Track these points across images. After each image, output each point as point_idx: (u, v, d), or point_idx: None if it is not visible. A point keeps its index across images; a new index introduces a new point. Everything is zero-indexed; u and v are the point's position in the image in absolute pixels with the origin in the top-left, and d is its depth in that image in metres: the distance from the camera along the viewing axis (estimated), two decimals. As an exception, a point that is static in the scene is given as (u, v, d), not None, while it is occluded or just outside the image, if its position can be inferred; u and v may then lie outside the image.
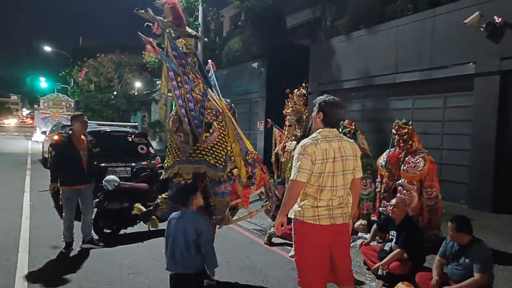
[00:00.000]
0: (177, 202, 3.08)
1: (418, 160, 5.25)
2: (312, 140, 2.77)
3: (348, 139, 2.97)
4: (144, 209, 3.97)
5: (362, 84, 9.90)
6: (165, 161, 3.84)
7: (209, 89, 3.85)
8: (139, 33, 3.54)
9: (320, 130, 2.84)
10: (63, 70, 30.94)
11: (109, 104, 20.95)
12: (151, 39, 3.34)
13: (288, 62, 12.79)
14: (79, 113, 5.15)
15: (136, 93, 22.74)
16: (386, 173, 5.64)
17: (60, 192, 4.87)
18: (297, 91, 7.20)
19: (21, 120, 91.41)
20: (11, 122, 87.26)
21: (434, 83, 8.08)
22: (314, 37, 12.11)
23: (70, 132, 4.95)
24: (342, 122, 6.56)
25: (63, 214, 4.82)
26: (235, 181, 3.85)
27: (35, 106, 24.61)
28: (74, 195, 4.84)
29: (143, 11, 3.60)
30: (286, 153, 6.88)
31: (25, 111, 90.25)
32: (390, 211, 4.53)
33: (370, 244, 4.81)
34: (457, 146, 7.76)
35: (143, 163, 7.18)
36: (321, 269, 2.82)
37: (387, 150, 5.77)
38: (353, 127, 6.43)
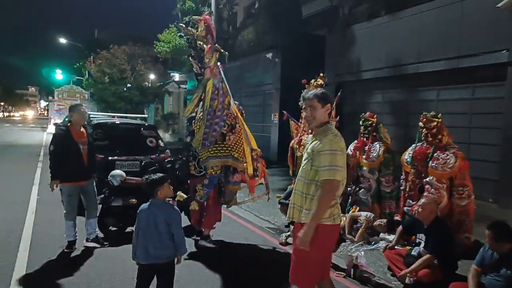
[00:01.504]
0: (147, 193, 3.09)
1: (448, 157, 4.79)
2: (337, 134, 2.61)
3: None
4: (185, 196, 4.41)
5: (383, 74, 9.39)
6: (200, 155, 4.82)
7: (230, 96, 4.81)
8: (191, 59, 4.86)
9: (330, 122, 2.73)
10: (78, 62, 31.08)
11: (122, 96, 20.80)
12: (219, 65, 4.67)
13: (303, 52, 12.33)
14: (78, 103, 4.79)
15: (149, 85, 22.55)
16: (412, 170, 5.20)
17: (60, 189, 4.58)
18: (314, 82, 6.81)
19: (39, 112, 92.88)
20: (29, 114, 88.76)
21: (462, 72, 7.54)
22: (330, 26, 11.57)
23: (69, 124, 4.62)
24: (363, 114, 6.15)
25: (64, 212, 4.53)
26: (244, 173, 4.94)
27: (50, 97, 24.66)
28: (76, 192, 4.55)
29: (183, 26, 4.59)
30: (302, 147, 6.52)
31: (43, 103, 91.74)
32: (417, 212, 4.11)
33: (395, 247, 4.40)
34: (486, 140, 7.22)
35: (151, 156, 6.87)
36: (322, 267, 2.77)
37: (413, 145, 5.31)
38: (375, 119, 5.99)
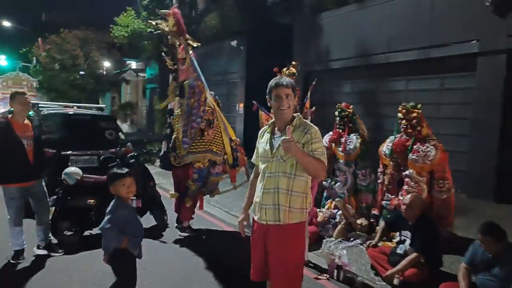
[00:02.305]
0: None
1: (428, 149, 4.64)
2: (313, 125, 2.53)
3: None
4: (177, 194, 5.01)
5: (352, 64, 9.24)
6: (177, 151, 4.95)
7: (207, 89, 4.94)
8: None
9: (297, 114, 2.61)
10: (24, 47, 28.72)
11: (75, 84, 19.43)
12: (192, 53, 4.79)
13: (270, 40, 11.93)
14: (20, 91, 4.09)
15: (104, 73, 21.25)
16: (391, 162, 5.01)
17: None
18: (286, 70, 6.48)
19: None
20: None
21: (431, 63, 7.50)
22: (297, 14, 11.26)
23: (10, 116, 3.97)
24: (338, 104, 5.91)
25: (8, 218, 3.91)
26: (225, 164, 5.24)
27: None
28: (20, 194, 3.93)
29: (153, 22, 4.88)
30: None
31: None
32: (403, 210, 3.91)
33: (378, 245, 4.20)
34: (454, 131, 7.25)
35: (111, 150, 6.26)
36: None
37: (392, 137, 5.13)
38: (351, 110, 5.76)
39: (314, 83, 6.34)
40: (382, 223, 4.22)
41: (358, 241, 4.84)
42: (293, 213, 2.44)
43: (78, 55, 18.83)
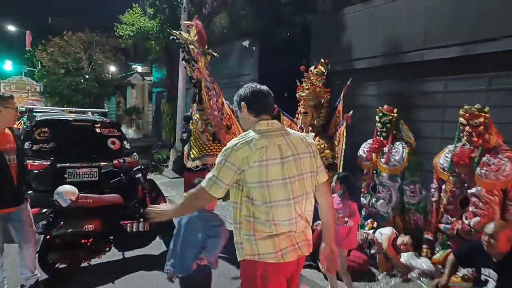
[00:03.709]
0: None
1: (502, 162, 3.77)
2: (241, 139, 2.11)
3: (297, 132, 2.33)
4: None
5: (380, 63, 8.34)
6: (191, 153, 4.86)
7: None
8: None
9: (255, 124, 2.20)
10: (28, 51, 28.17)
11: (79, 89, 18.75)
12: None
13: (284, 40, 11.19)
14: (5, 95, 3.27)
15: (110, 77, 20.57)
16: (451, 178, 4.14)
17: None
18: (314, 69, 5.69)
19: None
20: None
21: (476, 60, 6.59)
22: (316, 10, 10.44)
23: None
24: (380, 108, 5.06)
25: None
26: None
27: (-4, 90, 22.09)
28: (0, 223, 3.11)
29: (177, 32, 4.82)
30: None
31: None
32: (485, 241, 3.03)
33: (450, 285, 3.33)
34: (505, 138, 6.34)
35: (114, 162, 5.45)
36: None
37: (451, 146, 4.27)
38: (395, 114, 4.91)
39: (348, 83, 5.53)
40: (451, 257, 3.33)
41: (413, 274, 3.99)
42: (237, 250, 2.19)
43: (82, 58, 18.17)
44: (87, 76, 18.69)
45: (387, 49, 8.15)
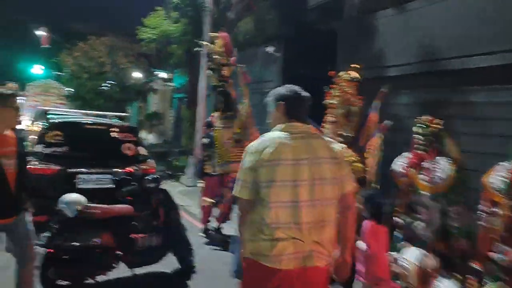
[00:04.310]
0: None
1: None
2: (261, 138, 2.20)
3: (325, 137, 2.40)
4: (212, 201, 5.41)
5: (414, 70, 7.81)
6: (217, 159, 5.37)
7: None
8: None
9: (280, 125, 2.24)
10: (57, 56, 28.75)
11: (101, 93, 18.84)
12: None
13: (310, 46, 10.87)
14: (6, 92, 2.95)
15: (132, 82, 20.65)
16: (506, 200, 3.60)
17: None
18: (345, 74, 5.25)
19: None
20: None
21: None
22: (344, 15, 10.03)
23: None
24: (421, 118, 4.56)
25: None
26: None
27: (21, 93, 22.52)
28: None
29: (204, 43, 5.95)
30: None
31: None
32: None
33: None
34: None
35: (128, 169, 5.12)
36: None
37: (506, 163, 3.73)
38: (438, 125, 4.40)
39: (384, 90, 5.05)
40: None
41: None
42: None
43: (105, 62, 18.27)
44: (112, 82, 18.81)
45: (422, 56, 7.63)
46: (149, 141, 21.91)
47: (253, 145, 2.16)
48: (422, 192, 4.23)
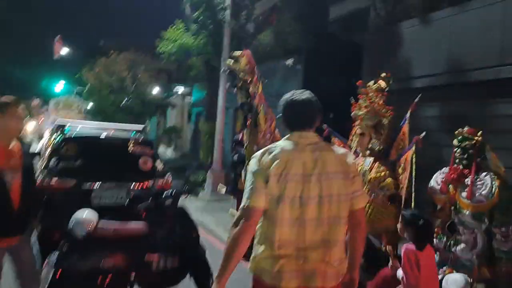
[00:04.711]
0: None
1: None
2: (266, 149, 2.07)
3: (337, 149, 2.16)
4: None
5: (443, 81, 7.48)
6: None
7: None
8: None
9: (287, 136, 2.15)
10: (79, 71, 29.40)
11: (122, 107, 18.99)
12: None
13: (331, 58, 10.62)
14: (5, 100, 2.71)
15: (152, 96, 20.82)
16: None
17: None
18: (374, 84, 4.94)
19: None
20: (29, 126, 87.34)
21: None
22: (369, 26, 9.77)
23: None
24: (460, 130, 4.18)
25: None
26: None
27: (44, 108, 23.03)
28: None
29: (229, 61, 5.69)
30: None
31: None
32: None
33: None
34: None
35: (145, 183, 4.88)
36: None
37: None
38: (479, 138, 4.01)
39: (416, 100, 4.71)
40: None
41: None
42: None
43: (126, 77, 18.44)
44: (130, 97, 18.96)
45: (454, 66, 7.28)
46: (167, 155, 21.91)
47: (260, 153, 2.04)
48: (463, 211, 3.83)
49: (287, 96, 2.19)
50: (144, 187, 4.68)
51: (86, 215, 3.30)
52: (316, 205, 1.95)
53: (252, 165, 2.03)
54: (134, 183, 4.77)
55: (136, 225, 3.58)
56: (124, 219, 3.76)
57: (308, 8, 11.64)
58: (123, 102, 19.01)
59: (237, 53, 5.62)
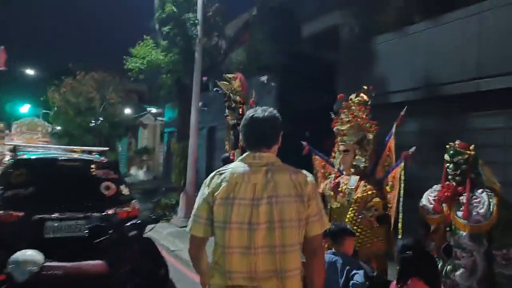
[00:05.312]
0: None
1: None
2: (217, 170, 1.97)
3: (293, 170, 1.96)
4: None
5: (420, 96, 7.36)
6: None
7: None
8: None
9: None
10: (43, 94, 28.34)
11: (90, 129, 18.18)
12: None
13: (305, 75, 10.54)
14: None
15: (122, 117, 20.12)
16: None
17: None
18: (356, 98, 4.68)
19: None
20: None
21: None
22: (343, 42, 9.71)
23: None
24: (452, 144, 3.91)
25: None
26: None
27: (6, 132, 21.77)
28: None
29: (222, 82, 6.01)
30: (342, 194, 4.32)
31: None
32: None
33: None
34: None
35: (108, 212, 4.33)
36: None
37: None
38: (472, 152, 3.75)
39: (402, 113, 4.46)
40: None
41: None
42: None
43: (94, 97, 17.73)
44: (101, 119, 18.22)
45: (430, 80, 7.19)
46: (138, 177, 21.07)
47: (210, 176, 1.94)
48: (460, 232, 3.52)
49: (249, 112, 2.06)
50: (106, 216, 4.13)
51: (28, 256, 2.74)
52: (266, 232, 1.81)
53: (201, 188, 1.94)
54: (94, 212, 4.20)
55: (93, 265, 3.03)
56: (82, 254, 3.23)
57: (281, 27, 11.56)
58: (92, 124, 18.25)
59: (230, 75, 6.04)
